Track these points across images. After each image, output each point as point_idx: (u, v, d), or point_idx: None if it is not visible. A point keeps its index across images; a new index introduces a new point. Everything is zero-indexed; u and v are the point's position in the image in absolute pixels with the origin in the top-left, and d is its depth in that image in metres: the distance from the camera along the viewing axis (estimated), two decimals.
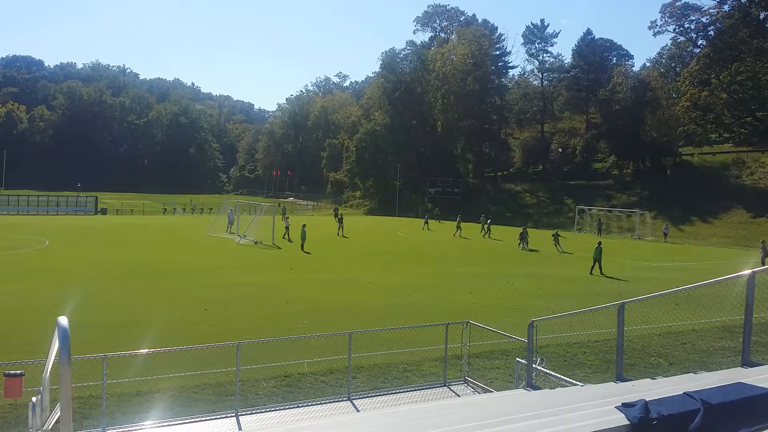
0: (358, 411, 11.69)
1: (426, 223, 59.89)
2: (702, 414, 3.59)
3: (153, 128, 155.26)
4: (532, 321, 10.76)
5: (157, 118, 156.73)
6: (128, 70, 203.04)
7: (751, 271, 6.17)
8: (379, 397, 12.50)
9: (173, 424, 10.59)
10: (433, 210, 73.83)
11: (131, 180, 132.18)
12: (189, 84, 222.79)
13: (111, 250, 35.16)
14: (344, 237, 47.19)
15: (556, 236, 43.75)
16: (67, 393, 2.20)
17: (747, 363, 6.11)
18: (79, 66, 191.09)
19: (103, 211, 78.98)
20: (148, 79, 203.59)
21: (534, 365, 10.61)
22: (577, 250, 40.94)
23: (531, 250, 42.13)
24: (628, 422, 3.45)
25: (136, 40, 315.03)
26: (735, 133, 69.48)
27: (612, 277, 29.82)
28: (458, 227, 52.77)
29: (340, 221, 51.27)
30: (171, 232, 49.13)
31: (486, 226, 53.20)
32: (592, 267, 31.16)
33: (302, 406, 11.71)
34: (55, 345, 3.62)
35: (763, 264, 33.07)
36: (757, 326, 14.28)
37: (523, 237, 43.63)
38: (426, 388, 13.09)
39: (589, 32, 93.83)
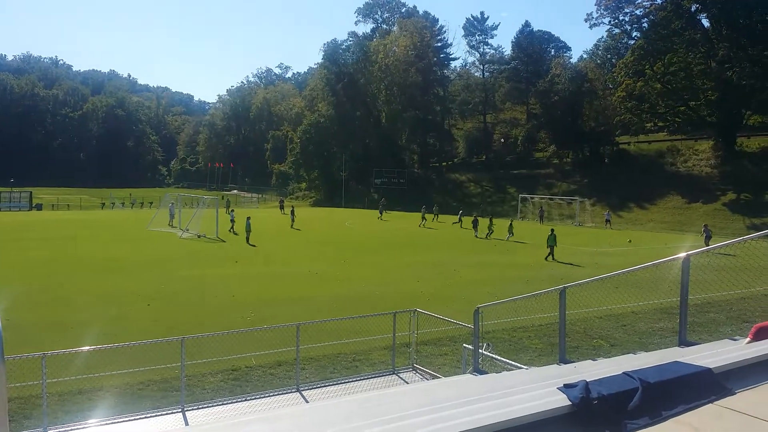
0: (307, 402, 11.68)
1: (423, 218, 54.37)
2: (641, 392, 3.72)
3: (88, 121, 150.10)
4: (478, 307, 10.96)
5: (92, 111, 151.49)
6: (61, 62, 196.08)
7: (686, 254, 6.43)
8: (329, 387, 12.52)
9: (118, 422, 10.37)
10: (380, 201, 73.89)
11: (67, 174, 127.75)
12: (125, 75, 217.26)
13: (47, 246, 33.96)
14: (297, 229, 46.88)
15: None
16: (2, 393, 2.12)
17: (684, 342, 6.37)
18: (9, 58, 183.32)
19: (38, 207, 76.14)
20: (82, 70, 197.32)
21: (480, 350, 10.82)
22: (522, 238, 41.75)
23: (483, 238, 43.24)
24: (570, 402, 3.56)
25: (69, 31, 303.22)
26: (669, 122, 71.80)
27: (563, 262, 30.62)
28: (423, 218, 53.90)
29: (292, 213, 51.08)
30: (110, 227, 47.75)
31: (433, 216, 54.30)
32: (548, 254, 31.98)
33: (250, 399, 11.62)
34: None
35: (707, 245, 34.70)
36: (693, 307, 14.89)
37: (475, 225, 45.29)
38: (375, 377, 13.17)
39: (527, 24, 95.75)
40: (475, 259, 32.12)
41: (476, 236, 44.07)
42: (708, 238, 36.35)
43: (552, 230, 33.41)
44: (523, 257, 33.20)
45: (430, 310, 14.83)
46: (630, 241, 42.03)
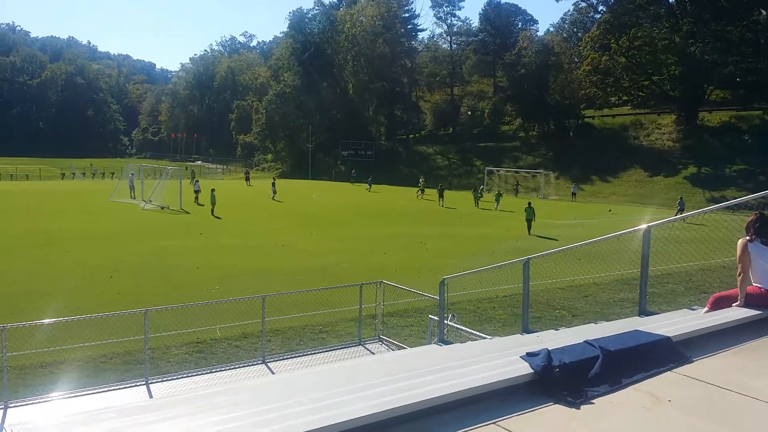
0: (273, 373, 11.69)
1: (422, 191, 54.60)
2: (601, 360, 3.79)
3: (47, 89, 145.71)
4: (444, 279, 11.03)
5: (51, 79, 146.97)
6: (18, 28, 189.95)
7: (646, 225, 6.53)
8: (295, 358, 12.55)
9: (81, 395, 10.24)
10: (351, 172, 73.88)
11: (25, 144, 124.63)
12: (85, 42, 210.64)
13: (4, 217, 33.10)
14: (278, 201, 47.03)
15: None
16: None
17: (644, 312, 6.52)
18: None
19: None
20: (40, 37, 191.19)
21: (445, 321, 10.92)
22: (488, 209, 42.10)
23: (448, 208, 44.71)
24: (532, 371, 3.61)
25: None
26: (633, 96, 72.62)
27: (540, 236, 30.09)
28: (422, 190, 54.40)
29: (273, 185, 51.10)
30: (71, 198, 46.65)
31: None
32: (529, 227, 31.75)
33: (215, 372, 11.60)
34: None
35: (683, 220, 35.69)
36: (653, 278, 15.22)
37: (441, 195, 47.84)
38: (341, 348, 13.24)
39: None
40: (441, 230, 32.29)
41: (441, 205, 46.04)
42: (680, 211, 37.39)
43: (529, 203, 33.46)
44: (489, 229, 33.49)
45: (396, 282, 14.90)
46: (611, 210, 43.08)
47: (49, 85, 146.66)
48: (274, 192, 49.66)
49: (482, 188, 56.75)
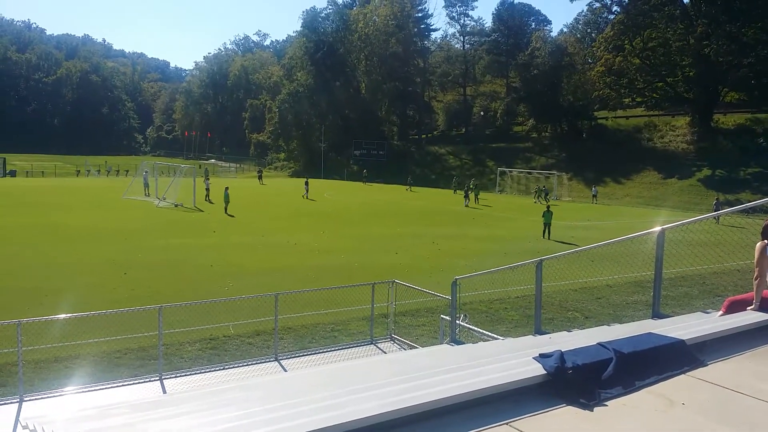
0: (285, 371, 11.74)
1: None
2: (614, 362, 3.79)
3: (62, 87, 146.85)
4: (456, 279, 11.03)
5: (66, 76, 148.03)
6: (34, 25, 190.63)
7: (660, 228, 6.51)
8: (307, 356, 12.59)
9: (95, 390, 10.34)
10: (363, 172, 73.90)
11: (41, 141, 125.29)
12: (100, 40, 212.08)
13: (21, 213, 33.44)
14: (311, 200, 47.61)
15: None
16: None
17: (657, 315, 6.49)
18: None
19: (12, 173, 74.86)
20: (55, 34, 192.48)
21: (457, 321, 10.92)
22: (499, 211, 41.98)
23: (473, 208, 46.14)
24: (545, 372, 3.61)
25: None
26: (647, 97, 72.10)
27: (558, 241, 28.96)
28: (467, 197, 49.34)
29: (306, 184, 51.48)
30: (86, 195, 47.05)
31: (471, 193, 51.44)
32: (544, 231, 30.89)
33: (228, 368, 11.65)
34: None
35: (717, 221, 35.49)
36: (667, 281, 15.14)
37: (466, 194, 49.09)
38: (353, 347, 13.26)
39: None
40: (454, 231, 32.25)
41: (466, 205, 46.91)
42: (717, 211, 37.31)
43: (548, 207, 32.74)
44: (503, 230, 33.38)
45: (407, 282, 14.90)
46: (589, 220, 40.59)
47: (64, 83, 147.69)
48: (307, 191, 50.16)
49: (471, 184, 56.36)
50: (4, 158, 78.51)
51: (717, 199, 41.29)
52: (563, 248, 24.10)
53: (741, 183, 54.37)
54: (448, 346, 10.18)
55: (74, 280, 18.01)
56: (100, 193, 48.69)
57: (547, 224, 31.14)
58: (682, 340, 4.21)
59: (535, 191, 57.79)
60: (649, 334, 4.49)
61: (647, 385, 3.67)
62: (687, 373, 3.86)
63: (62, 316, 11.59)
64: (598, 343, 4.08)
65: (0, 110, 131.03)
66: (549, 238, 30.00)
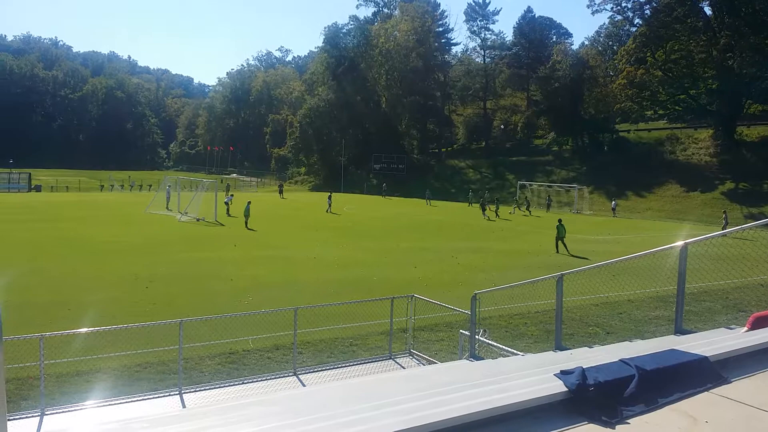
0: (304, 386, 11.72)
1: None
2: (637, 380, 3.73)
3: (88, 102, 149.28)
4: (475, 293, 10.95)
5: (92, 92, 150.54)
6: (61, 43, 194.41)
7: (683, 242, 6.42)
8: (326, 371, 12.57)
9: (115, 404, 10.40)
10: (382, 186, 74.08)
11: (66, 156, 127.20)
12: (125, 57, 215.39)
13: (46, 227, 33.95)
14: (335, 214, 48.00)
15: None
16: (0, 373, 2.12)
17: (680, 331, 6.38)
18: (9, 38, 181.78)
19: (38, 188, 76.14)
20: (81, 51, 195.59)
21: (477, 336, 10.82)
22: (520, 224, 41.77)
23: (491, 219, 46.89)
24: (566, 389, 3.56)
25: (69, 12, 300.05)
26: (669, 110, 71.52)
27: (576, 256, 28.67)
28: (486, 208, 50.18)
29: (329, 198, 52.04)
30: (109, 209, 47.70)
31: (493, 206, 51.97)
32: (557, 245, 30.20)
33: (247, 383, 11.67)
34: None
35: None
36: (690, 296, 14.87)
37: (483, 208, 49.68)
38: (372, 362, 13.22)
39: (529, 10, 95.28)
40: (473, 245, 32.12)
41: (485, 217, 47.88)
42: (728, 224, 37.75)
43: (559, 220, 31.54)
44: (522, 244, 33.20)
45: (426, 296, 14.85)
46: (610, 234, 40.13)
47: (90, 99, 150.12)
48: (330, 205, 50.42)
49: (487, 197, 57.60)
50: (30, 173, 79.95)
51: (725, 212, 42.09)
52: (582, 263, 23.90)
53: (765, 196, 53.55)
54: (468, 361, 10.09)
55: (97, 294, 18.20)
56: (124, 208, 49.31)
57: (560, 239, 30.22)
58: (706, 357, 4.13)
59: (515, 200, 59.71)
60: (672, 350, 4.41)
61: (670, 402, 3.60)
62: (710, 391, 3.79)
63: (83, 330, 11.71)
64: (621, 360, 4.02)
65: (26, 126, 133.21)
66: (568, 253, 29.29)
